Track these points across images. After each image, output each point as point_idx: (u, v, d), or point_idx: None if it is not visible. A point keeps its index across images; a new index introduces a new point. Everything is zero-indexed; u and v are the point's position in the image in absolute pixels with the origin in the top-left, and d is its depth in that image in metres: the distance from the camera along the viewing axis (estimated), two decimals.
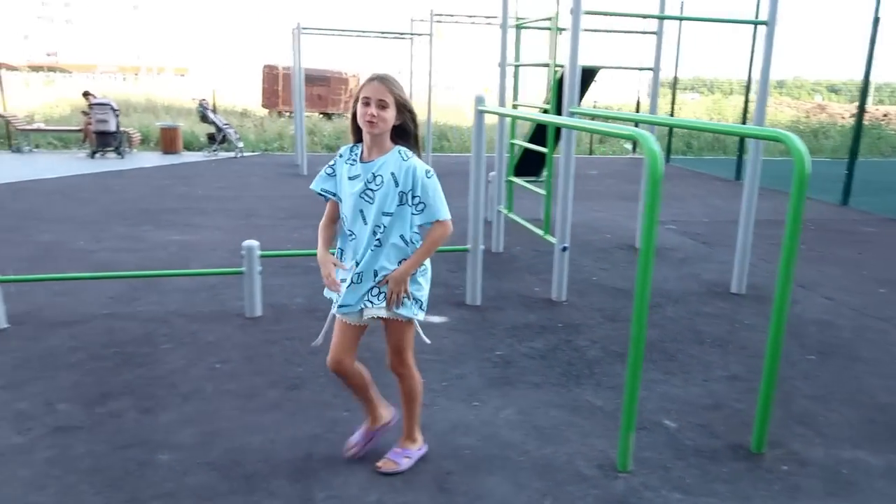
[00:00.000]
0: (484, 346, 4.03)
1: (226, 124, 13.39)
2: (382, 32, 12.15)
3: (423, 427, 3.02)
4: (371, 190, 2.36)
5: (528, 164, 7.16)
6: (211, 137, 13.32)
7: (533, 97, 7.26)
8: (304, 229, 6.98)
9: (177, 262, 5.61)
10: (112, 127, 12.19)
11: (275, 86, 25.49)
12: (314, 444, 2.87)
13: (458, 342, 4.07)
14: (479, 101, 4.47)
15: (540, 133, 6.77)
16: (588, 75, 5.94)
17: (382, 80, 2.27)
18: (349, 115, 2.39)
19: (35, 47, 72.89)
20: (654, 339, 4.13)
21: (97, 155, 12.35)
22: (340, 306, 2.45)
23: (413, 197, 2.35)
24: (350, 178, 2.41)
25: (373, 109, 2.25)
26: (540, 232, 5.32)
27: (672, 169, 13.56)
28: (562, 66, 5.72)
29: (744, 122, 12.28)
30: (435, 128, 16.10)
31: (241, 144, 13.33)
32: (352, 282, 2.42)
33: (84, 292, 4.74)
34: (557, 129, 6.95)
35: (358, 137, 2.41)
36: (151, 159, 12.61)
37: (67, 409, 3.13)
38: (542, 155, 7.17)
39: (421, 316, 2.52)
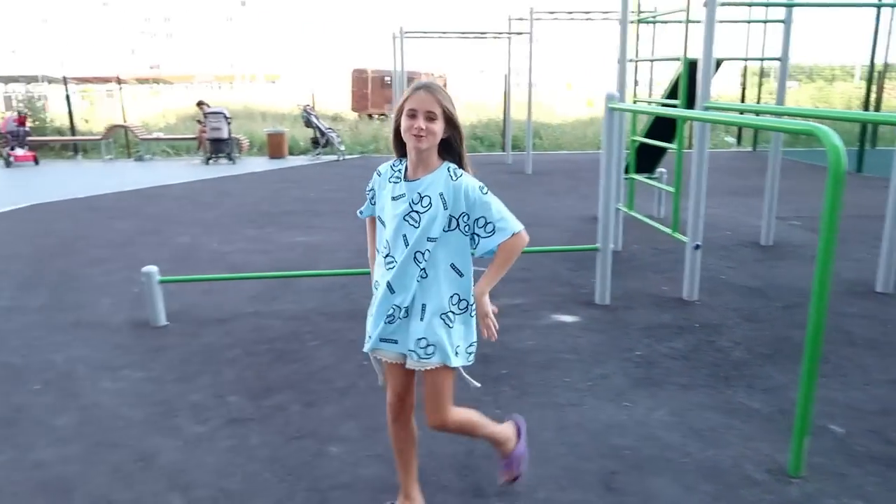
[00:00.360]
0: (621, 345, 3.99)
1: (328, 129, 13.84)
2: (482, 33, 12.20)
3: (576, 426, 3.05)
4: (416, 212, 2.08)
5: (642, 161, 7.01)
6: (314, 142, 13.81)
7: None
8: None
9: (306, 263, 5.86)
10: (225, 134, 12.86)
11: (364, 89, 26.14)
12: (473, 441, 2.93)
13: (594, 342, 4.06)
14: (611, 98, 4.42)
15: (657, 128, 6.62)
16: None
17: (430, 89, 2.03)
18: (391, 129, 2.14)
19: (140, 61, 77.80)
20: (800, 341, 3.96)
21: (211, 161, 13.06)
22: (382, 340, 2.17)
23: (476, 220, 2.08)
24: (393, 199, 2.13)
25: (420, 122, 2.00)
26: (667, 230, 5.21)
27: (783, 162, 12.93)
28: (677, 59, 5.58)
29: (866, 109, 11.54)
30: (523, 125, 16.00)
31: (342, 148, 13.75)
32: (396, 315, 2.13)
33: (227, 291, 5.03)
34: (674, 125, 6.79)
35: (401, 153, 2.15)
36: (260, 164, 13.21)
37: (237, 401, 3.34)
38: (656, 151, 7.03)
39: (470, 361, 2.21)
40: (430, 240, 2.07)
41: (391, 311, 2.13)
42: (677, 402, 3.28)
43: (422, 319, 2.11)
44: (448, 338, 2.12)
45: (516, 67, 13.00)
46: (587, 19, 12.58)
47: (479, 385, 2.30)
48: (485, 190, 2.09)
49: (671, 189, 5.10)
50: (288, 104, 25.75)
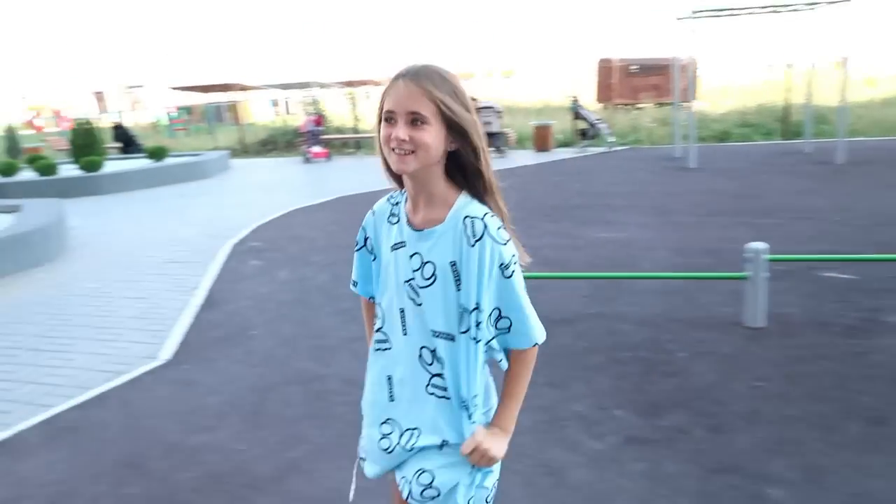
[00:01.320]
0: None
1: (598, 119, 13.41)
2: (783, 6, 10.83)
3: None
4: (417, 284, 1.36)
5: None
6: (583, 133, 13.47)
7: None
8: (735, 227, 6.37)
9: (626, 261, 5.48)
10: (495, 128, 13.06)
11: (609, 79, 25.32)
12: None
13: None
14: None
15: None
16: None
17: (414, 77, 1.26)
18: (377, 142, 1.35)
19: (385, 63, 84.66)
20: None
21: None
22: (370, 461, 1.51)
23: (489, 315, 1.33)
24: (393, 248, 1.41)
25: (400, 130, 1.26)
26: None
27: None
28: None
29: None
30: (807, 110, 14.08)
31: (612, 139, 13.23)
32: (397, 443, 1.43)
33: (556, 289, 4.82)
34: None
35: (400, 179, 1.41)
36: (528, 157, 13.20)
37: (625, 416, 3.03)
38: None
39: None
40: (441, 336, 1.35)
41: (387, 423, 1.45)
42: None
43: (439, 448, 1.40)
44: (466, 477, 1.39)
45: (789, 47, 11.38)
46: None
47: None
48: (511, 269, 1.30)
49: None
50: (528, 98, 25.88)
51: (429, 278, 1.33)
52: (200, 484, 2.69)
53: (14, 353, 4.27)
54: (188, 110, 36.37)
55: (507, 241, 1.31)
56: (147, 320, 4.75)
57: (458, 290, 1.31)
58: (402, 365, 1.42)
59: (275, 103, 45.28)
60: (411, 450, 1.39)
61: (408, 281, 1.36)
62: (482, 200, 1.35)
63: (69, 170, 12.85)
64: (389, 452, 1.43)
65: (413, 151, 1.26)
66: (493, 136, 13.17)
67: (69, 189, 11.29)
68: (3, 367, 4.04)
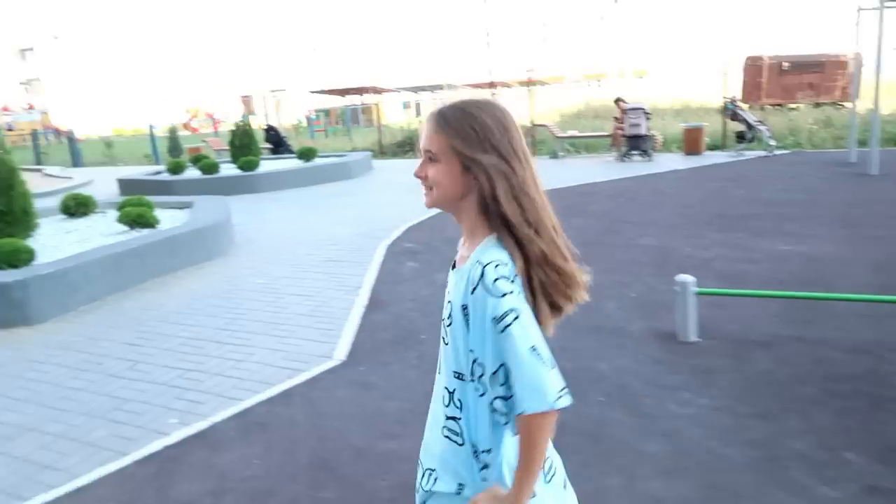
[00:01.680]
0: None
1: (757, 121, 12.48)
2: None
3: None
4: (446, 323, 1.34)
5: None
6: (740, 136, 12.59)
7: None
8: None
9: (814, 278, 4.94)
10: (643, 130, 12.49)
11: (758, 78, 23.67)
12: None
13: None
14: None
15: None
16: None
17: (435, 115, 1.29)
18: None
19: (518, 66, 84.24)
20: None
21: (625, 158, 12.83)
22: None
23: (493, 374, 1.22)
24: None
25: (418, 167, 1.32)
26: None
27: None
28: None
29: None
30: None
31: (773, 143, 12.26)
32: (419, 483, 1.41)
33: (743, 307, 4.41)
34: None
35: None
36: (677, 161, 12.50)
37: (859, 461, 2.65)
38: None
39: None
40: (458, 376, 1.31)
41: (419, 463, 1.44)
42: None
43: (457, 493, 1.33)
44: None
45: None
46: None
47: None
48: (504, 323, 1.17)
49: None
50: (665, 99, 24.79)
51: (449, 317, 1.31)
52: (396, 494, 2.63)
53: (200, 344, 4.50)
54: (326, 112, 38.17)
55: (505, 293, 1.19)
56: (317, 318, 4.86)
57: (468, 331, 1.26)
58: (432, 402, 1.42)
59: (406, 105, 46.52)
60: (429, 491, 1.37)
61: (442, 320, 1.36)
62: (504, 245, 1.26)
63: (228, 169, 13.72)
64: (416, 492, 1.42)
65: (431, 188, 1.30)
66: (640, 139, 12.61)
67: (229, 187, 12.03)
68: (193, 358, 4.25)
